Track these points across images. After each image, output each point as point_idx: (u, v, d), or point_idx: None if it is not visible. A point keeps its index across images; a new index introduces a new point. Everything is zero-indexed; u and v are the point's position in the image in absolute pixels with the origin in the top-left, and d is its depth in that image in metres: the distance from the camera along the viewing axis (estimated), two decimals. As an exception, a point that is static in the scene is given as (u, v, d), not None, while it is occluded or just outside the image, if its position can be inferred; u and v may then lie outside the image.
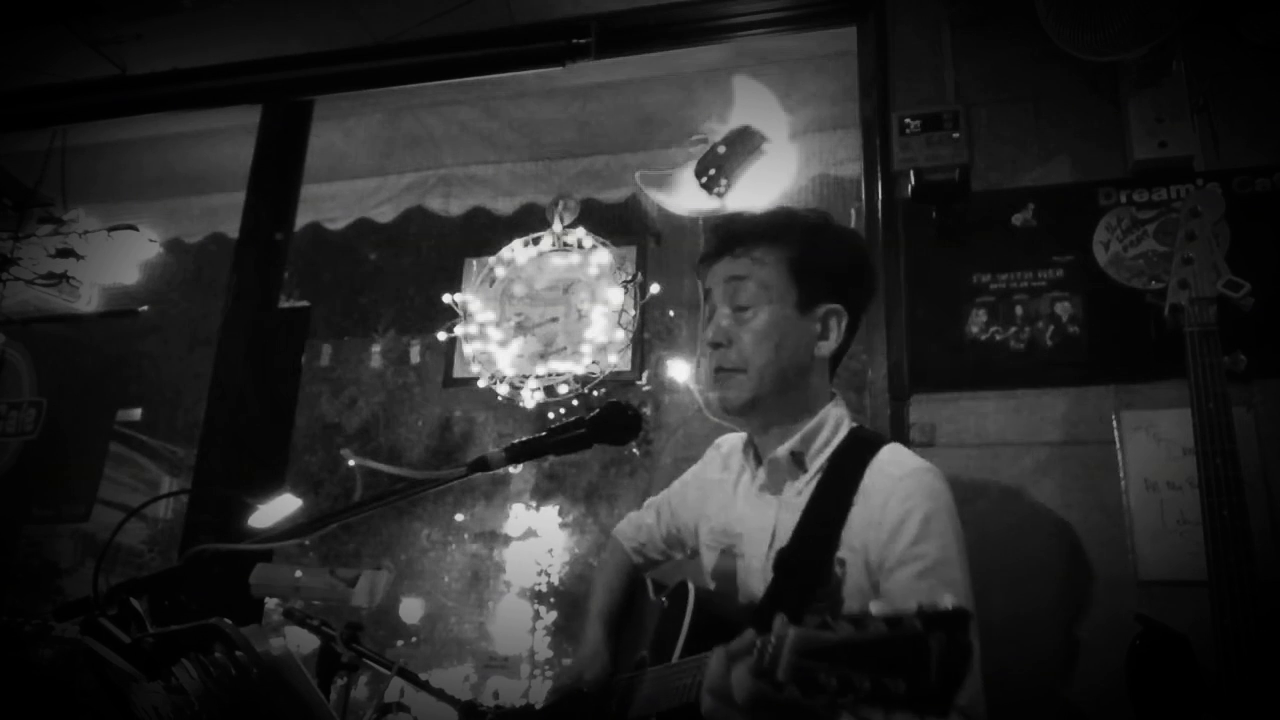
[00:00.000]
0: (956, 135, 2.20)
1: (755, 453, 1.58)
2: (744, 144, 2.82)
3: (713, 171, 2.79)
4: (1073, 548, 2.00)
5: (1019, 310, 2.19)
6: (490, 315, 3.11)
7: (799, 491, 1.47)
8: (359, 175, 3.56)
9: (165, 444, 5.15)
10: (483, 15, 2.87)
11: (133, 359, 3.69)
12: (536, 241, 3.16)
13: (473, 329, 3.10)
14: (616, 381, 2.99)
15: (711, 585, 1.61)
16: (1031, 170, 2.29)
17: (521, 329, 3.07)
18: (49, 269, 3.45)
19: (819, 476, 1.46)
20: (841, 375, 1.62)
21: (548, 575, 5.92)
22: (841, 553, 1.38)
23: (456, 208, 3.44)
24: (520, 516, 5.94)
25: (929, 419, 2.18)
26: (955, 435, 2.15)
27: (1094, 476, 2.04)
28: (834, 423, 1.51)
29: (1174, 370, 1.76)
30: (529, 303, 3.10)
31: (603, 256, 3.06)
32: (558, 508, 5.90)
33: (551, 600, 5.89)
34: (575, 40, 2.83)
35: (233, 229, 3.26)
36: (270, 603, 2.43)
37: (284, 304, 3.17)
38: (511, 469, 1.49)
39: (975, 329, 2.21)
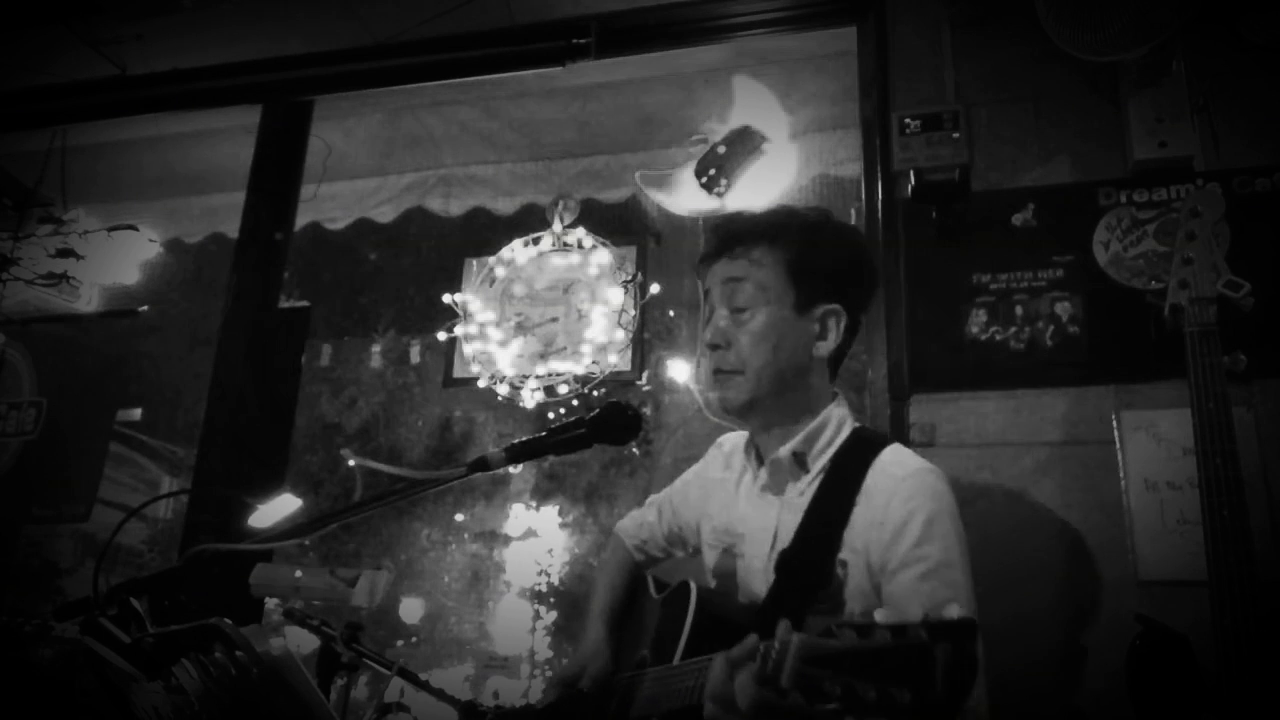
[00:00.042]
0: (956, 135, 2.20)
1: (757, 452, 1.57)
2: (744, 144, 2.82)
3: (713, 171, 2.79)
4: (1073, 548, 2.00)
5: (1019, 310, 2.19)
6: (490, 315, 3.11)
7: (801, 492, 1.47)
8: (359, 175, 3.57)
9: (165, 444, 5.15)
10: (483, 15, 2.87)
11: (133, 359, 3.69)
12: (536, 241, 3.16)
13: (473, 329, 3.11)
14: (616, 381, 2.99)
15: (713, 584, 1.61)
16: (1031, 170, 2.29)
17: (521, 329, 3.07)
18: (49, 269, 3.45)
19: (821, 477, 1.46)
20: (842, 375, 1.61)
21: (548, 575, 5.92)
22: (843, 554, 1.38)
23: (456, 208, 3.44)
24: (520, 516, 5.94)
25: (929, 419, 2.18)
26: (955, 435, 2.15)
27: (1094, 476, 2.04)
28: (836, 423, 1.50)
29: (1174, 370, 1.76)
30: (529, 303, 3.11)
31: (603, 256, 3.06)
32: (558, 508, 5.90)
33: (551, 600, 5.89)
34: (575, 40, 2.83)
35: (233, 229, 3.26)
36: (270, 603, 2.43)
37: (284, 304, 3.17)
38: (511, 469, 1.49)
39: (975, 329, 2.21)
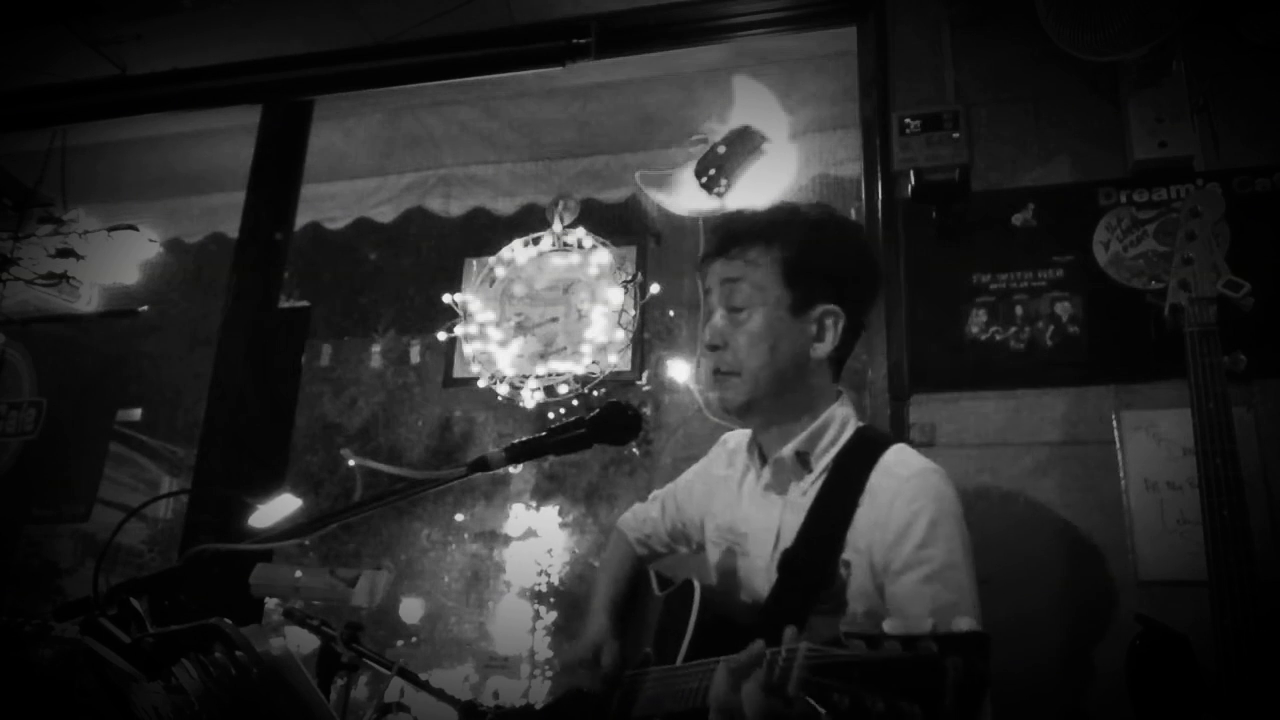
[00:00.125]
0: (956, 135, 2.20)
1: (760, 451, 1.57)
2: (744, 144, 2.82)
3: (713, 171, 2.79)
4: (1073, 548, 2.00)
5: (1019, 310, 2.19)
6: (490, 315, 3.11)
7: (804, 491, 1.47)
8: (359, 175, 3.56)
9: (165, 444, 5.14)
10: (483, 15, 2.87)
11: (133, 359, 3.69)
12: (536, 241, 3.16)
13: (473, 329, 3.11)
14: (616, 381, 2.99)
15: (716, 582, 1.61)
16: (1031, 170, 2.30)
17: (521, 329, 3.07)
18: (49, 269, 3.45)
19: (824, 477, 1.46)
20: (842, 375, 1.61)
21: (548, 575, 5.91)
22: (846, 554, 1.38)
23: (456, 208, 3.44)
24: (520, 516, 5.94)
25: (929, 419, 2.18)
26: (955, 435, 2.15)
27: (1094, 476, 2.04)
28: (840, 422, 1.50)
29: (1174, 370, 1.76)
30: (529, 303, 3.11)
31: (603, 256, 3.06)
32: (558, 508, 5.90)
33: (551, 600, 5.89)
34: (575, 40, 2.83)
35: (233, 229, 3.26)
36: (270, 603, 2.43)
37: (284, 304, 3.17)
38: (511, 469, 1.49)
39: (975, 329, 2.21)
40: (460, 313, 3.14)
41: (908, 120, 2.24)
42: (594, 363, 2.94)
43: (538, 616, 5.86)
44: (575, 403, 3.00)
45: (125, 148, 3.59)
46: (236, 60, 3.18)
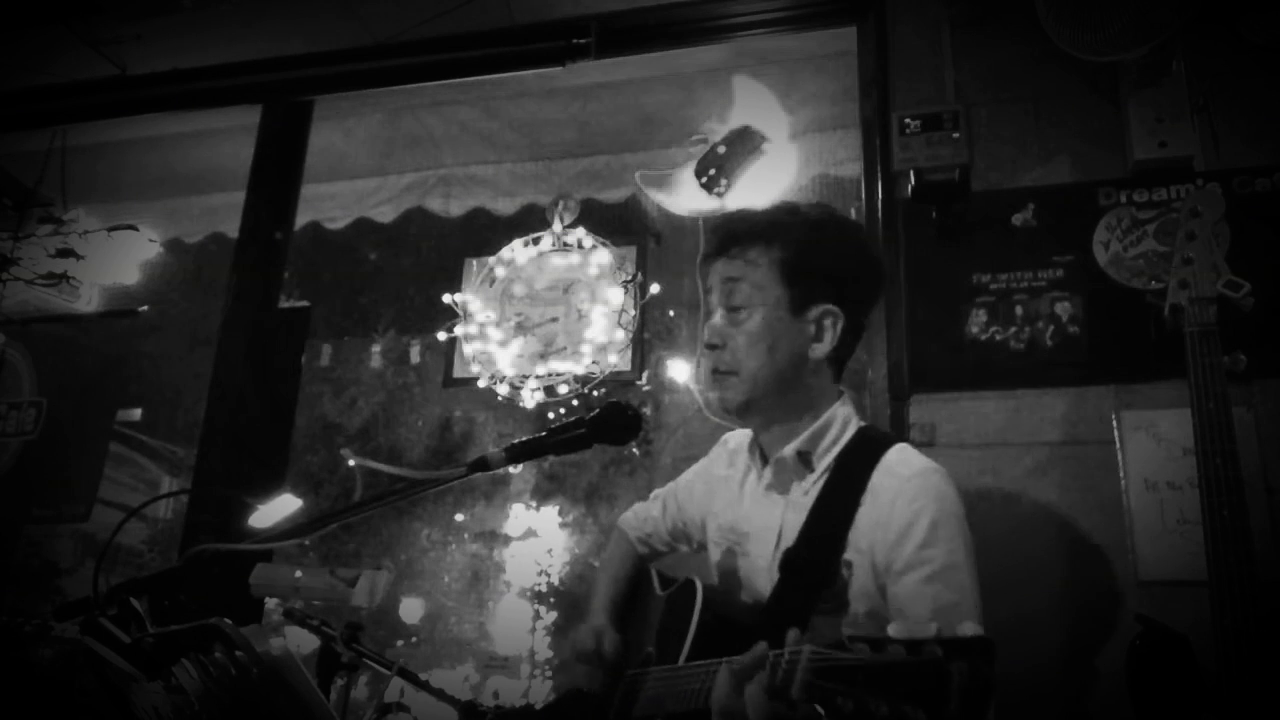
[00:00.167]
0: (956, 135, 2.19)
1: (761, 451, 1.57)
2: (744, 144, 2.82)
3: (713, 171, 2.79)
4: (1073, 548, 2.00)
5: (1019, 310, 2.19)
6: (490, 315, 3.11)
7: (805, 491, 1.47)
8: (359, 175, 3.56)
9: (165, 444, 5.14)
10: (483, 15, 2.87)
11: (133, 359, 3.69)
12: (536, 241, 3.16)
13: (473, 329, 3.11)
14: (616, 381, 2.99)
15: (717, 581, 1.61)
16: (1031, 170, 2.30)
17: (521, 329, 3.07)
18: (49, 269, 3.45)
19: (826, 476, 1.46)
20: (843, 375, 1.61)
21: (548, 575, 5.91)
22: (848, 554, 1.38)
23: (456, 208, 3.44)
24: (520, 516, 5.94)
25: (929, 419, 2.18)
26: (955, 435, 2.15)
27: (1094, 476, 2.04)
28: (841, 422, 1.50)
29: (1174, 370, 1.76)
30: (529, 303, 3.10)
31: (603, 256, 3.06)
32: (558, 508, 5.90)
33: (551, 600, 5.88)
34: (575, 40, 2.83)
35: (233, 229, 3.26)
36: (270, 603, 2.43)
37: (284, 304, 3.17)
38: (511, 469, 1.50)
39: (975, 329, 2.21)
40: (460, 313, 3.14)
41: (908, 120, 2.24)
42: (594, 363, 2.94)
43: (538, 616, 5.86)
44: (575, 403, 3.00)
45: (125, 148, 3.59)
46: (236, 60, 3.18)
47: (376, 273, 5.34)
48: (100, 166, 3.59)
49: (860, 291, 1.55)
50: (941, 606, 1.27)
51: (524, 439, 1.33)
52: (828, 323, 1.50)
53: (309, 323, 3.24)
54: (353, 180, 3.57)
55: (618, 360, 2.93)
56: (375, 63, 3.07)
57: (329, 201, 3.57)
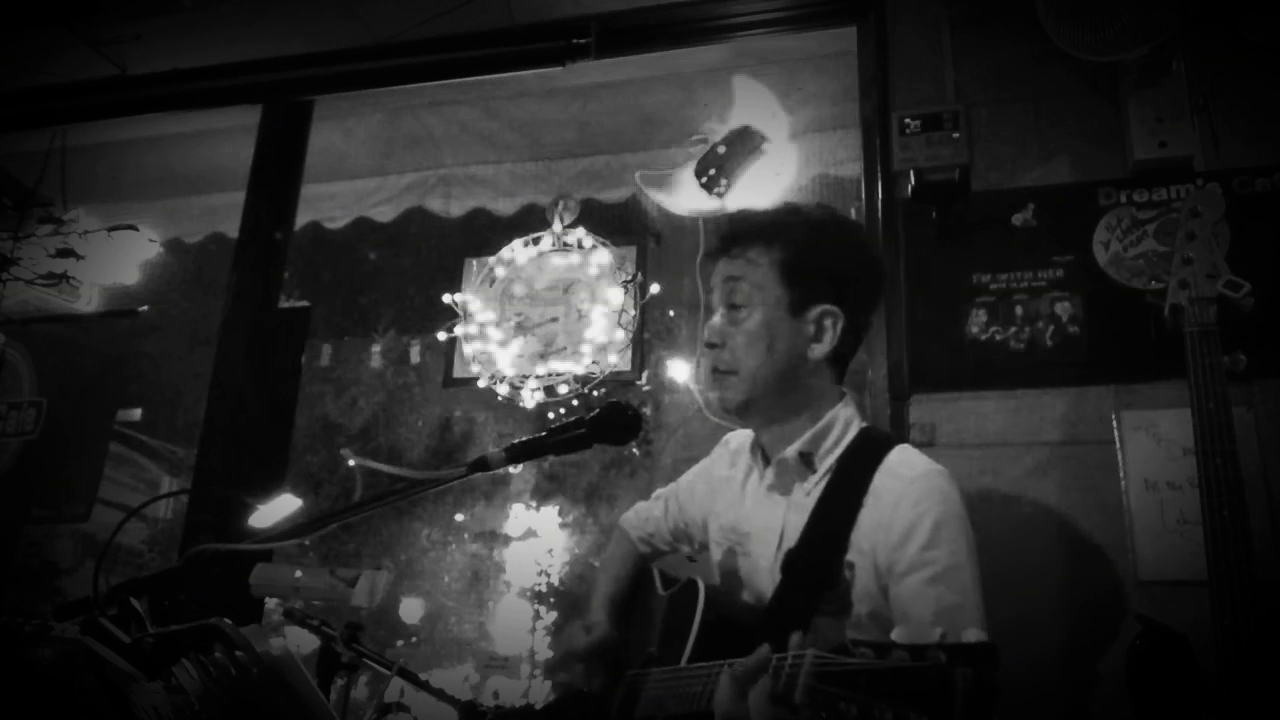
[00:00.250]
0: (956, 135, 2.19)
1: (763, 452, 1.57)
2: (744, 144, 2.82)
3: (713, 171, 2.79)
4: (1073, 548, 2.00)
5: (1019, 310, 2.19)
6: (490, 315, 3.11)
7: (808, 492, 1.47)
8: (359, 175, 3.56)
9: (165, 444, 5.14)
10: (483, 15, 2.87)
11: (133, 359, 3.69)
12: (536, 241, 3.16)
13: (473, 329, 3.10)
14: (616, 381, 2.98)
15: (719, 581, 1.61)
16: (1031, 170, 2.30)
17: (521, 329, 3.07)
18: (49, 269, 3.45)
19: (828, 477, 1.46)
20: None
21: (548, 575, 5.91)
22: (850, 555, 1.37)
23: (456, 208, 3.44)
24: (520, 516, 5.94)
25: (929, 419, 2.18)
26: (955, 435, 2.15)
27: (1094, 476, 2.04)
28: (843, 423, 1.50)
29: (1174, 370, 1.76)
30: (529, 303, 3.10)
31: (603, 256, 3.06)
32: (558, 508, 5.90)
33: (551, 600, 5.88)
34: (575, 40, 2.83)
35: (233, 229, 3.26)
36: (270, 603, 2.43)
37: (284, 304, 3.17)
38: (511, 469, 1.50)
39: (975, 329, 2.21)
40: (460, 313, 3.14)
41: (908, 120, 2.24)
42: (594, 363, 2.94)
43: (538, 616, 5.86)
44: (575, 403, 3.00)
45: (125, 148, 3.59)
46: (236, 60, 3.18)
47: (376, 273, 5.33)
48: (100, 166, 3.59)
49: (861, 292, 1.55)
50: (944, 608, 1.27)
51: (524, 439, 1.33)
52: (827, 323, 1.50)
53: (309, 323, 3.24)
54: (353, 180, 3.57)
55: (618, 360, 2.93)
56: (375, 63, 3.07)
57: (329, 201, 3.57)
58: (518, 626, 5.80)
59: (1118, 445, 2.04)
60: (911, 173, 2.24)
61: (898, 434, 2.14)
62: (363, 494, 1.35)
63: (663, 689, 1.43)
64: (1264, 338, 1.91)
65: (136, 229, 3.53)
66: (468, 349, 3.09)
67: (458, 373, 3.14)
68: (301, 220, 3.33)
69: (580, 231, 3.12)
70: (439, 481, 1.31)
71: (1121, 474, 2.02)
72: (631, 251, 3.07)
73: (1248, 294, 1.70)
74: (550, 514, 5.92)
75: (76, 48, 3.12)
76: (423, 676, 1.96)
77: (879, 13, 2.55)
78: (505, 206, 3.39)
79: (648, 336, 3.14)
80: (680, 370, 4.25)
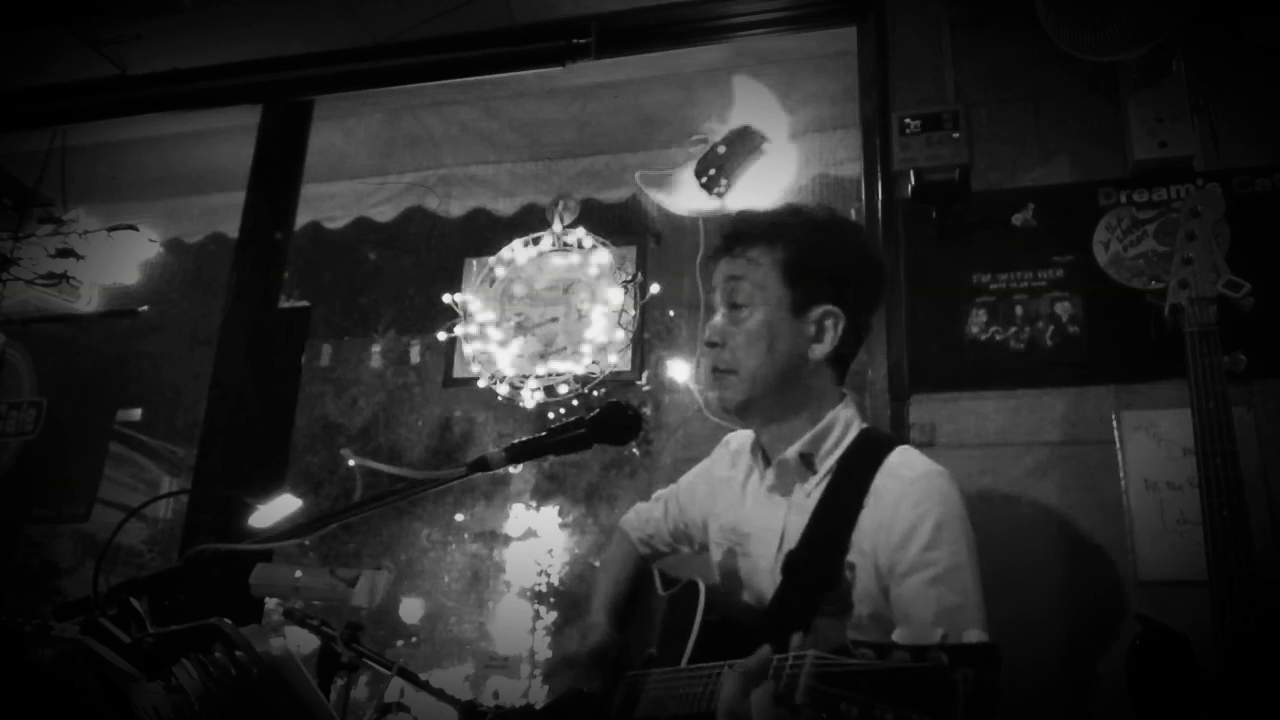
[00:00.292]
0: (956, 135, 2.19)
1: (764, 453, 1.57)
2: (744, 144, 2.82)
3: (713, 171, 2.79)
4: (1073, 548, 2.00)
5: (1019, 310, 2.19)
6: (490, 315, 3.11)
7: (808, 493, 1.47)
8: (359, 175, 3.57)
9: (165, 444, 5.14)
10: (483, 15, 2.87)
11: (133, 359, 3.69)
12: (536, 241, 3.16)
13: (473, 329, 3.10)
14: (616, 381, 2.98)
15: (719, 582, 1.61)
16: (1031, 170, 2.29)
17: (521, 329, 3.07)
18: (49, 269, 3.45)
19: (829, 478, 1.46)
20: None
21: (548, 575, 5.91)
22: (851, 556, 1.37)
23: (456, 208, 3.44)
24: (520, 516, 5.94)
25: (929, 419, 2.18)
26: (955, 435, 2.15)
27: (1094, 476, 2.04)
28: (844, 424, 1.50)
29: (1174, 370, 1.76)
30: (529, 303, 3.10)
31: (603, 256, 3.06)
32: (558, 508, 5.90)
33: (551, 600, 5.89)
34: (575, 40, 2.83)
35: (233, 229, 3.26)
36: (270, 603, 2.43)
37: (284, 304, 3.17)
38: (511, 469, 1.50)
39: (975, 329, 2.21)
40: (460, 313, 3.14)
41: (908, 120, 2.24)
42: (594, 363, 2.94)
43: (538, 616, 5.86)
44: (575, 403, 3.00)
45: (125, 148, 3.59)
46: (236, 60, 3.18)
47: (376, 273, 5.33)
48: (100, 166, 3.59)
49: (862, 293, 1.55)
50: (945, 609, 1.27)
51: (524, 439, 1.33)
52: (829, 323, 1.50)
53: (309, 323, 3.24)
54: (353, 180, 3.57)
55: (618, 360, 2.93)
56: (375, 63, 3.07)
57: (329, 201, 3.57)
58: (518, 626, 5.80)
59: (1118, 445, 2.04)
60: (911, 173, 2.24)
61: (898, 434, 2.14)
62: (363, 494, 1.35)
63: (663, 689, 1.43)
64: (1264, 338, 1.91)
65: (136, 229, 3.53)
66: (468, 349, 3.09)
67: (458, 373, 3.14)
68: (301, 220, 3.33)
69: (580, 231, 3.12)
70: (439, 481, 1.31)
71: (1121, 474, 2.02)
72: (631, 251, 3.07)
73: (1248, 294, 1.70)
74: (550, 514, 5.92)
75: (76, 48, 3.12)
76: (423, 676, 1.96)
77: (879, 13, 2.55)
78: (505, 206, 3.39)
79: (648, 336, 3.14)
80: (680, 370, 4.25)
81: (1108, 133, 2.25)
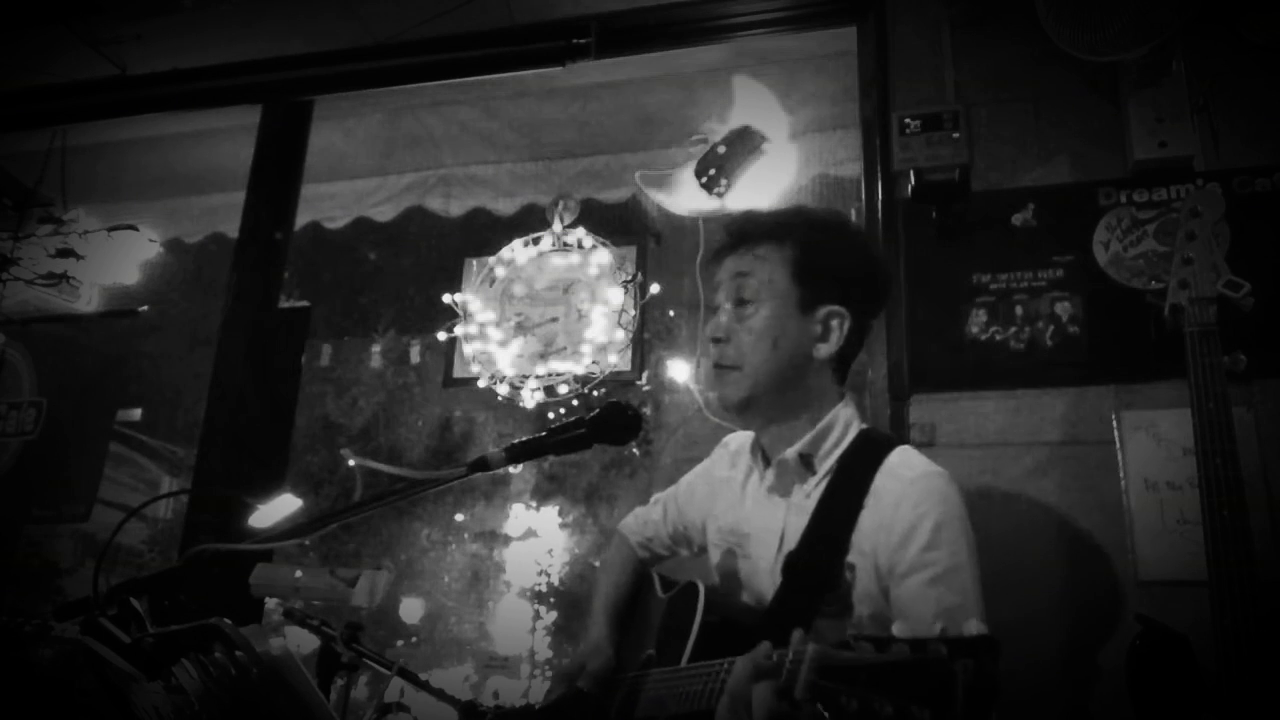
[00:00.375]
0: (956, 135, 2.19)
1: (763, 453, 1.57)
2: (744, 144, 2.82)
3: (713, 171, 2.79)
4: (1073, 548, 2.00)
5: (1019, 310, 2.19)
6: (490, 315, 3.11)
7: (808, 494, 1.47)
8: (359, 175, 3.57)
9: (165, 444, 5.15)
10: (483, 15, 2.87)
11: (133, 359, 3.69)
12: (536, 241, 3.16)
13: (473, 329, 3.10)
14: (616, 381, 2.98)
15: (719, 583, 1.61)
16: (1031, 170, 2.30)
17: (521, 329, 3.07)
18: (49, 269, 3.45)
19: (828, 479, 1.46)
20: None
21: (548, 575, 5.92)
22: (851, 557, 1.37)
23: (456, 208, 3.44)
24: (520, 517, 5.94)
25: (929, 419, 2.18)
26: (955, 435, 2.15)
27: (1094, 476, 2.04)
28: (844, 424, 1.50)
29: (1174, 370, 1.76)
30: (529, 303, 3.10)
31: (603, 256, 3.06)
32: (558, 508, 5.90)
33: (551, 600, 5.89)
34: (575, 40, 2.83)
35: (233, 229, 3.26)
36: (270, 603, 2.43)
37: (284, 304, 3.17)
38: (511, 469, 1.49)
39: (975, 329, 2.21)
40: (460, 313, 3.14)
41: (908, 120, 2.24)
42: (594, 363, 2.94)
43: (538, 616, 5.87)
44: (575, 403, 3.00)
45: (125, 148, 3.59)
46: (236, 60, 3.18)
47: (376, 273, 5.34)
48: (100, 166, 3.59)
49: (868, 295, 1.56)
50: (945, 609, 1.27)
51: (524, 439, 1.33)
52: (834, 323, 1.50)
53: (309, 323, 3.24)
54: (353, 180, 3.57)
55: (618, 360, 2.93)
56: (375, 63, 3.07)
57: (329, 201, 3.57)
58: (518, 626, 5.81)
59: (1118, 445, 2.04)
60: (911, 173, 2.24)
61: (898, 434, 2.14)
62: (363, 494, 1.35)
63: (663, 689, 1.42)
64: (1264, 338, 1.90)
65: (136, 229, 3.53)
66: (468, 349, 3.09)
67: (458, 373, 3.14)
68: (301, 220, 3.33)
69: (580, 231, 3.12)
70: (439, 481, 1.31)
71: (1121, 474, 2.02)
72: (631, 251, 3.07)
73: (1248, 294, 1.70)
74: (550, 514, 5.93)
75: (76, 48, 3.12)
76: (423, 676, 1.96)
77: (879, 13, 2.55)
78: (505, 206, 3.39)
79: (648, 336, 3.14)
80: (680, 370, 4.25)
81: (1108, 133, 2.25)
